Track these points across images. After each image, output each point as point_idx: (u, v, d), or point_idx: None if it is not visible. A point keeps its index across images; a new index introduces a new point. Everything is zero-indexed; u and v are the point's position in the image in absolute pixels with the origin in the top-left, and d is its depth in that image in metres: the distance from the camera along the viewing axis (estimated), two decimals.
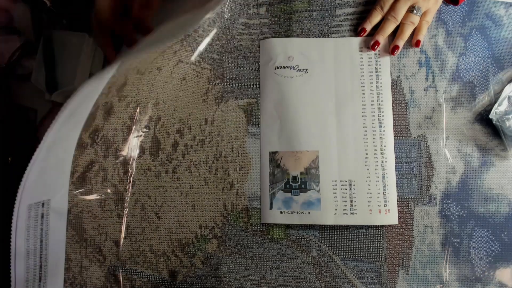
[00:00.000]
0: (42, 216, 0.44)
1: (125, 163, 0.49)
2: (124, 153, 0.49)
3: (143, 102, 0.50)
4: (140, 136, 0.50)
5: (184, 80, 0.53)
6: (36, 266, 0.44)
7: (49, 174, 0.44)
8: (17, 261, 0.43)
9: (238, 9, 0.55)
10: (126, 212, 0.49)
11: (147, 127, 0.50)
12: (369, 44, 0.53)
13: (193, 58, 0.52)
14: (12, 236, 0.42)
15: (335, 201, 0.50)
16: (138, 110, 0.50)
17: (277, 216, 0.51)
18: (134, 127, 0.49)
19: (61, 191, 0.45)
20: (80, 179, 0.47)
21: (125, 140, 0.49)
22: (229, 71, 0.55)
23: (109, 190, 0.48)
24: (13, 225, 0.42)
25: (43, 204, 0.44)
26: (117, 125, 0.48)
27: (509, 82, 0.52)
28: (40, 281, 0.44)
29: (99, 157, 0.47)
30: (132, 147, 0.49)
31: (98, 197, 0.47)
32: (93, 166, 0.47)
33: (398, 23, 0.52)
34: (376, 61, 0.53)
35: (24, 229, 0.43)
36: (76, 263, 0.46)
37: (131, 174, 0.49)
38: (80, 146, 0.46)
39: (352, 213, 0.50)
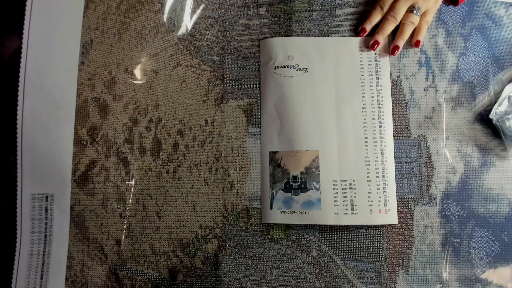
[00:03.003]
0: (46, 210, 0.45)
1: (127, 163, 0.49)
2: (125, 153, 0.49)
3: (142, 103, 0.50)
4: (141, 137, 0.50)
5: (184, 82, 0.53)
6: (38, 263, 0.45)
7: (50, 167, 0.45)
8: (21, 257, 0.44)
9: (237, 11, 0.55)
10: (127, 211, 0.49)
11: (148, 128, 0.51)
12: (369, 44, 0.53)
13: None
14: (18, 226, 0.45)
15: (335, 201, 0.50)
16: (138, 112, 0.50)
17: (277, 216, 0.51)
18: (135, 128, 0.50)
19: (64, 187, 0.46)
20: (82, 177, 0.47)
21: (126, 140, 0.49)
22: (229, 72, 0.55)
23: (111, 190, 0.48)
24: (18, 210, 0.44)
25: (46, 197, 0.45)
26: (117, 125, 0.49)
27: (509, 82, 0.52)
28: (41, 278, 0.45)
29: (100, 157, 0.48)
30: (133, 147, 0.50)
31: (101, 196, 0.48)
32: (95, 166, 0.48)
33: (397, 23, 0.52)
34: (376, 61, 0.53)
35: (29, 220, 0.45)
36: (78, 261, 0.47)
37: (132, 174, 0.49)
38: (79, 143, 0.47)
39: (352, 213, 0.50)
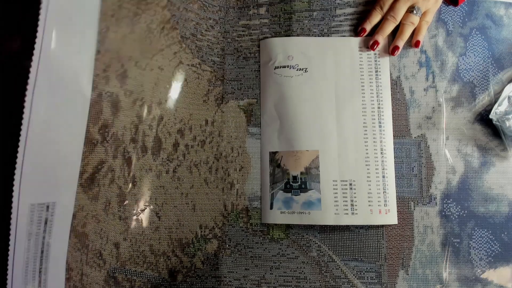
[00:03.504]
0: (46, 222, 0.40)
1: (130, 163, 0.48)
2: (130, 152, 0.48)
3: (148, 100, 0.50)
4: (144, 135, 0.49)
5: (185, 81, 0.53)
6: (35, 281, 0.40)
7: (55, 171, 0.41)
8: (14, 278, 0.39)
9: (237, 13, 0.55)
10: (126, 212, 0.49)
11: (150, 126, 0.50)
12: (369, 44, 0.53)
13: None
14: (11, 246, 0.38)
15: (335, 201, 0.50)
16: (144, 108, 0.49)
17: (277, 216, 0.51)
18: (140, 126, 0.49)
19: (68, 193, 0.41)
20: (89, 180, 0.43)
21: (132, 139, 0.48)
22: (230, 72, 0.55)
23: (114, 192, 0.46)
24: (12, 227, 0.38)
25: (47, 207, 0.40)
26: (126, 122, 0.47)
27: (509, 82, 0.52)
28: None
29: (108, 157, 0.45)
30: (137, 146, 0.49)
31: (104, 199, 0.45)
32: (103, 167, 0.45)
33: (397, 23, 0.52)
34: (375, 61, 0.53)
35: (25, 237, 0.39)
36: (77, 271, 0.44)
37: (134, 174, 0.49)
38: (90, 142, 0.43)
39: (352, 213, 0.50)
